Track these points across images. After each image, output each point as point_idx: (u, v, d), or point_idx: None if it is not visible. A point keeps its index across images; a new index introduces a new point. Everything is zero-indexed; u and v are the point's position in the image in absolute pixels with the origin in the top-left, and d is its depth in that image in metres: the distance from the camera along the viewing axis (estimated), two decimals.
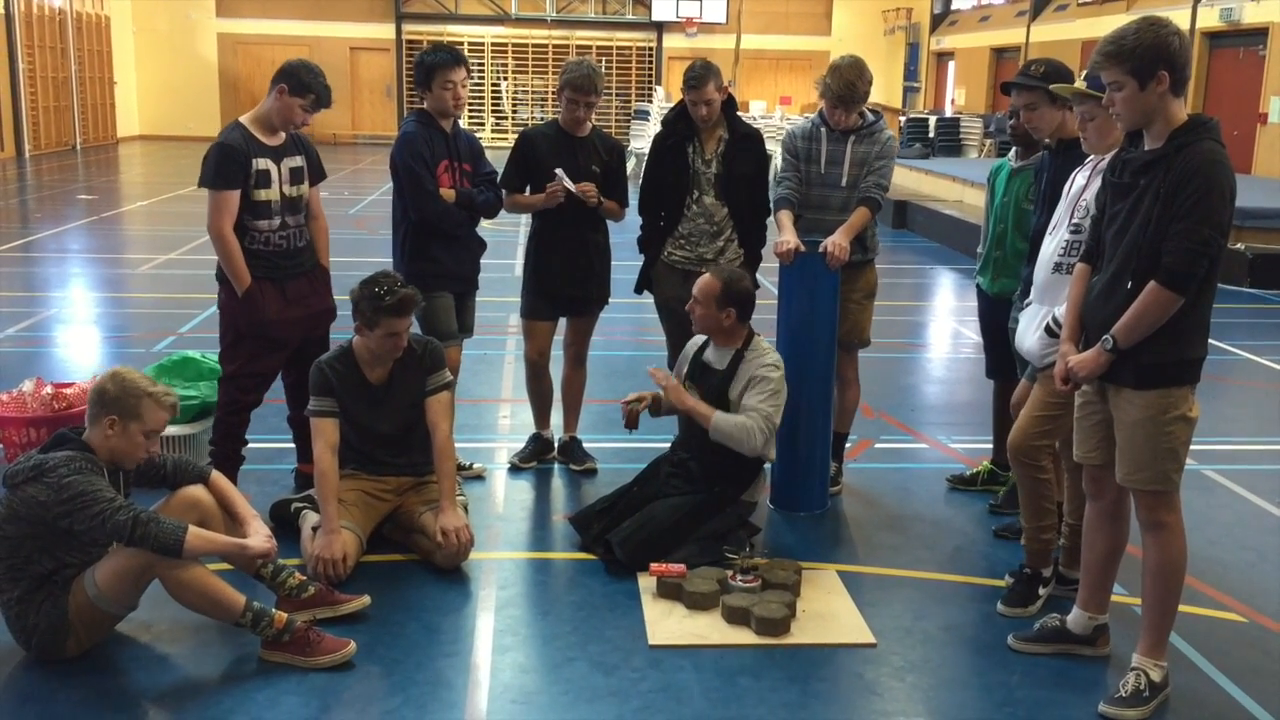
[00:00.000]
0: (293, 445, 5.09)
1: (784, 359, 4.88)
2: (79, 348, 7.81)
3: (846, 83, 4.81)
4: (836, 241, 4.73)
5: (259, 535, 3.70)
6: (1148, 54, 3.16)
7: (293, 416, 4.98)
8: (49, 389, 5.28)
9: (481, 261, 5.28)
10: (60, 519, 3.36)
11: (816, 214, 4.99)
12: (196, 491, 3.80)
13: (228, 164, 4.47)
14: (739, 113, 5.25)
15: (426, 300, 4.91)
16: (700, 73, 4.97)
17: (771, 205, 5.11)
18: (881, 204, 4.96)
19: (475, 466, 5.33)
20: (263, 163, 4.53)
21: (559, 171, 5.04)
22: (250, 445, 4.91)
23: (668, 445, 4.85)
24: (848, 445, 5.46)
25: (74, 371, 6.72)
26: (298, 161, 4.68)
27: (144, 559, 3.44)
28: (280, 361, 4.77)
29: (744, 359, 4.49)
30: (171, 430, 4.98)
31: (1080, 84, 3.71)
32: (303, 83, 4.50)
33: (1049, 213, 4.10)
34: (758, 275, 5.30)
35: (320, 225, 4.88)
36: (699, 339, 4.73)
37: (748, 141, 5.14)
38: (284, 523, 4.52)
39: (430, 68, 4.91)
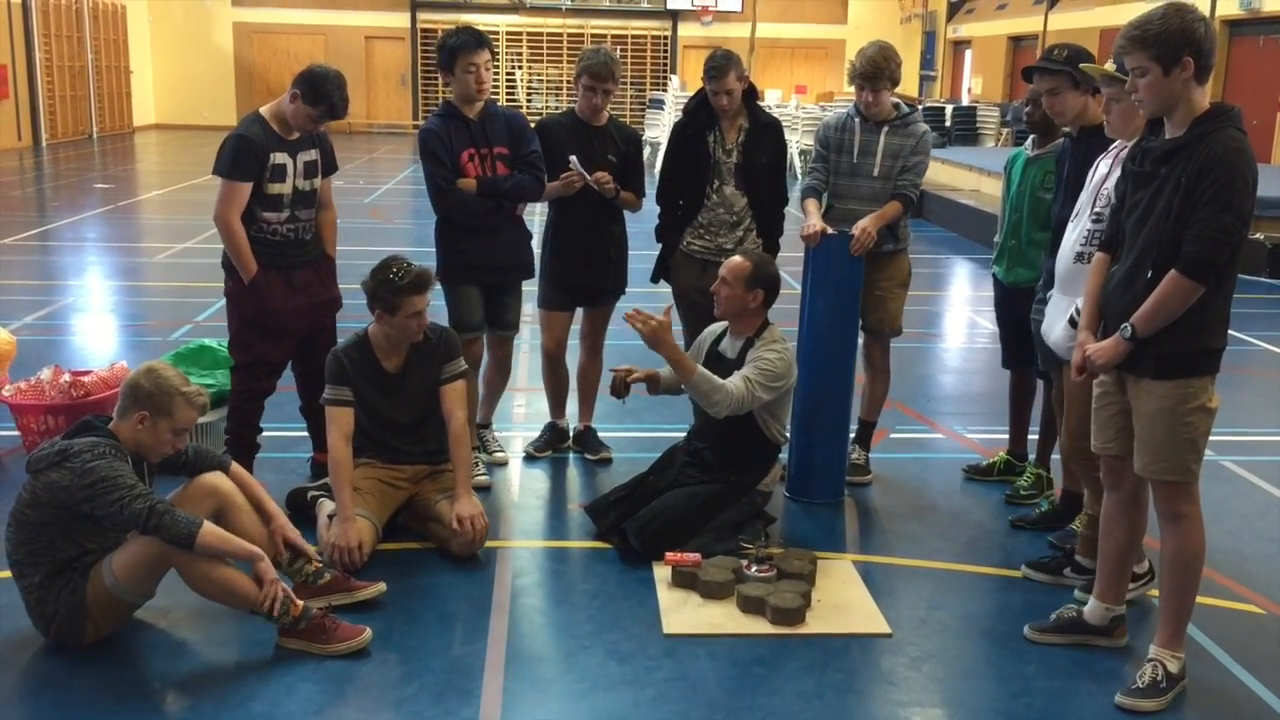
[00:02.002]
0: (307, 434, 5.10)
1: (806, 347, 4.89)
2: (96, 336, 7.84)
3: (870, 61, 4.82)
4: (864, 226, 4.73)
5: (268, 564, 3.54)
6: (1173, 39, 3.13)
7: (305, 406, 4.99)
8: (67, 377, 5.30)
9: (531, 253, 5.18)
10: (82, 504, 3.38)
11: (846, 204, 4.99)
12: (215, 480, 3.81)
13: (244, 157, 4.46)
14: (759, 102, 5.23)
15: (452, 291, 4.91)
16: (721, 62, 4.94)
17: (800, 194, 5.11)
18: (915, 201, 4.96)
19: (497, 455, 5.33)
20: (280, 156, 4.53)
21: (573, 159, 5.02)
22: (266, 434, 4.93)
23: (683, 434, 4.84)
24: None
25: (91, 359, 6.75)
26: (312, 155, 4.68)
27: (160, 548, 3.45)
28: (288, 349, 4.77)
29: (754, 347, 4.47)
30: None
31: (1109, 66, 3.67)
32: (316, 93, 4.46)
33: (1070, 201, 4.06)
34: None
35: (329, 216, 4.88)
36: (714, 330, 4.72)
37: (768, 131, 5.12)
38: (301, 511, 4.54)
39: (452, 50, 4.81)
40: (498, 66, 29.72)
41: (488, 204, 4.90)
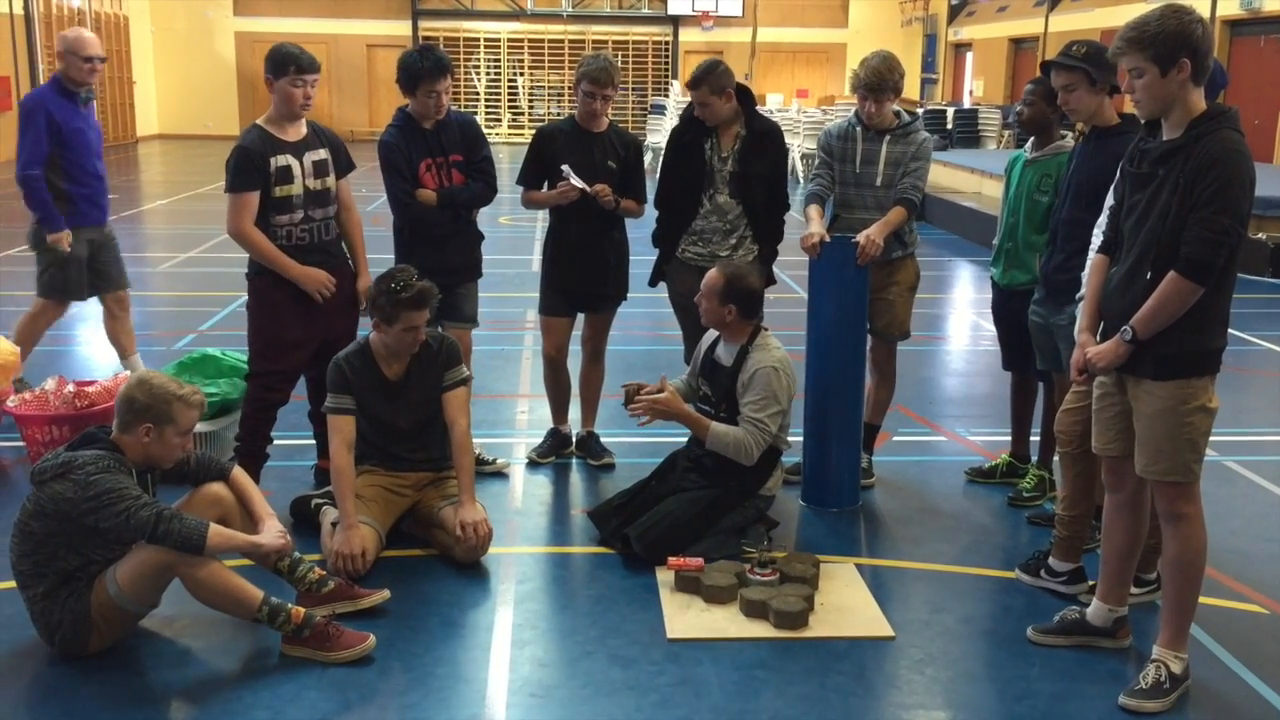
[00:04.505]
0: (312, 442, 5.12)
1: (813, 353, 4.89)
2: (100, 346, 7.83)
3: (874, 71, 4.82)
4: (869, 236, 4.73)
5: (272, 533, 3.72)
6: (1170, 41, 3.14)
7: (314, 412, 5.00)
8: (70, 387, 5.32)
9: (480, 253, 5.26)
10: (86, 516, 3.39)
11: (853, 214, 5.00)
12: (218, 489, 3.83)
13: (243, 167, 4.51)
14: (758, 107, 5.22)
15: None
16: (698, 75, 4.95)
17: (802, 200, 5.12)
18: (918, 205, 4.96)
19: (498, 462, 5.34)
20: (282, 159, 4.55)
21: (565, 169, 5.04)
22: (274, 443, 4.93)
23: (684, 440, 4.85)
24: None
25: (95, 370, 6.77)
26: (321, 154, 4.70)
27: (164, 558, 3.46)
28: (305, 358, 4.78)
29: (749, 355, 4.48)
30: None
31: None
32: (277, 61, 4.51)
33: (1074, 201, 4.04)
34: (776, 270, 5.30)
35: (353, 218, 4.92)
36: (712, 334, 4.73)
37: (765, 139, 5.11)
38: (304, 519, 4.55)
39: (416, 76, 4.85)
40: (497, 76, 29.84)
41: (446, 214, 5.01)
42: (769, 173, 5.11)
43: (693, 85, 4.96)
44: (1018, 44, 26.66)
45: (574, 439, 5.57)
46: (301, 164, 4.61)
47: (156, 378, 3.65)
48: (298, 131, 4.64)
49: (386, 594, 3.93)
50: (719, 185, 5.08)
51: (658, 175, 5.33)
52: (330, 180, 4.73)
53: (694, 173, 5.10)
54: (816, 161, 5.18)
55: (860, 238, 4.74)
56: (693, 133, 5.12)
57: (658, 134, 21.01)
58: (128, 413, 3.56)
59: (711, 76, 4.94)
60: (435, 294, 4.33)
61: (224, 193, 4.57)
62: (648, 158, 18.33)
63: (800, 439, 4.98)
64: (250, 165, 4.50)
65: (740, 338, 4.53)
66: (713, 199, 5.10)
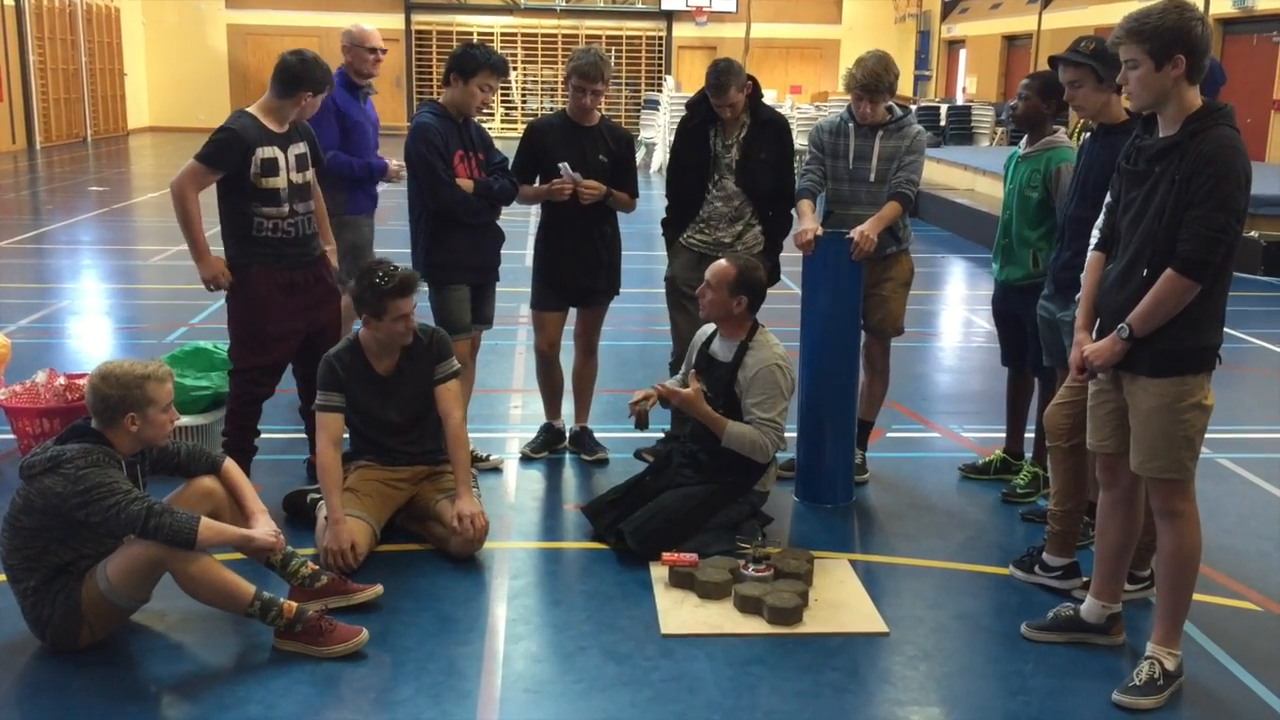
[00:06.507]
0: (304, 436, 5.09)
1: (808, 350, 4.89)
2: (91, 339, 7.83)
3: (870, 73, 4.81)
4: (864, 231, 4.72)
5: (264, 529, 3.70)
6: (1168, 35, 3.14)
7: (305, 408, 4.98)
8: (61, 380, 5.30)
9: (501, 252, 5.24)
10: (76, 510, 3.37)
11: (848, 210, 4.99)
12: (209, 482, 3.82)
13: (227, 151, 4.46)
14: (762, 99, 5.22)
15: (442, 292, 4.92)
16: (722, 80, 4.92)
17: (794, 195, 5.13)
18: (912, 199, 4.94)
19: (492, 458, 5.32)
20: (270, 150, 4.53)
21: (563, 166, 5.02)
22: (263, 436, 4.91)
23: (678, 436, 4.84)
24: None
25: (86, 363, 6.72)
26: (302, 148, 4.69)
27: (155, 553, 3.44)
28: (289, 352, 4.75)
29: (749, 350, 4.47)
30: (185, 420, 5.00)
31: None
32: (319, 81, 4.56)
33: (1081, 199, 4.03)
34: (780, 267, 5.29)
35: (319, 204, 4.90)
36: (706, 331, 4.71)
37: (770, 128, 5.12)
38: (299, 513, 4.54)
39: (477, 64, 4.85)
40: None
41: (481, 203, 4.97)
42: (774, 161, 5.11)
43: (719, 91, 4.92)
44: (1011, 41, 26.67)
45: (567, 434, 5.55)
46: (286, 157, 4.60)
47: (117, 366, 3.60)
48: (284, 124, 4.62)
49: (379, 589, 3.91)
50: (723, 171, 5.10)
51: (652, 171, 5.33)
52: (309, 174, 4.73)
53: (699, 159, 5.11)
54: (807, 158, 5.15)
55: (855, 233, 4.73)
56: (698, 120, 5.12)
57: (651, 129, 20.97)
58: (104, 410, 3.52)
59: (736, 74, 4.93)
60: (418, 280, 4.32)
61: (193, 157, 4.50)
62: (640, 153, 18.30)
63: (794, 435, 4.98)
64: (233, 151, 4.46)
65: (740, 333, 4.51)
66: (719, 184, 5.11)
